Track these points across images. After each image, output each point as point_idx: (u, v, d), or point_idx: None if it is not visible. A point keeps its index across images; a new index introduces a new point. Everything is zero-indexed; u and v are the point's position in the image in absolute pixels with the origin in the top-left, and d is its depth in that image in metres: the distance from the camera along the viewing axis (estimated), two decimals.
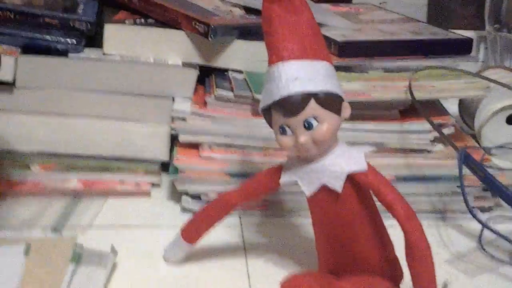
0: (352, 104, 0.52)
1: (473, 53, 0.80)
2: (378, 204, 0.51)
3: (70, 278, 0.52)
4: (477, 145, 0.77)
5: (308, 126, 0.49)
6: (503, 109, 0.80)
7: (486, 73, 0.86)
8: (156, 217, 0.67)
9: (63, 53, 0.71)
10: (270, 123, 0.52)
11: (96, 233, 0.63)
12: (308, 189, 0.51)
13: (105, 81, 0.70)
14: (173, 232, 0.58)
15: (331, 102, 0.49)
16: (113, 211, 0.68)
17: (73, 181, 0.70)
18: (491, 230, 0.58)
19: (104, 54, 0.72)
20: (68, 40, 0.71)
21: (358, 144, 0.57)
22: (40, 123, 0.71)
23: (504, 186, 0.59)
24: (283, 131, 0.50)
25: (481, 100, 0.82)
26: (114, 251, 0.55)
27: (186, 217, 0.58)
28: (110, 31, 0.72)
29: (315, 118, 0.49)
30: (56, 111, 0.71)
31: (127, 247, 0.59)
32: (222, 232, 0.63)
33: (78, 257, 0.54)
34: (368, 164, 0.51)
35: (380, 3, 1.17)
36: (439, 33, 0.82)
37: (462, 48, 0.79)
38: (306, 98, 0.49)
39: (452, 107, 0.87)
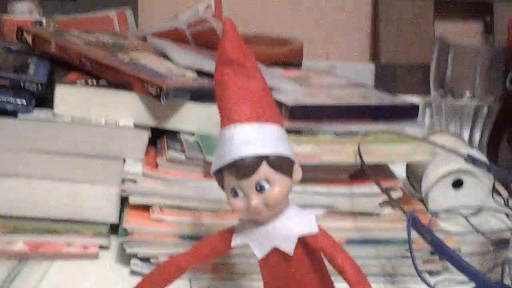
0: (303, 167, 0.52)
1: (419, 118, 0.81)
2: (329, 267, 0.51)
3: None
4: (425, 209, 0.78)
5: (260, 189, 0.49)
6: (449, 173, 0.82)
7: (431, 138, 0.88)
8: (105, 281, 0.65)
9: (13, 113, 0.70)
10: (222, 186, 0.52)
11: None
12: (260, 252, 0.51)
13: (55, 142, 0.70)
14: None
15: (282, 165, 0.50)
16: (60, 274, 0.66)
17: (19, 243, 0.68)
18: None
19: (54, 115, 0.72)
20: (18, 100, 0.70)
21: (308, 206, 0.58)
22: None
23: (451, 249, 0.60)
24: (235, 194, 0.50)
25: (427, 164, 0.84)
26: None
27: (135, 281, 0.56)
28: (61, 92, 0.72)
29: (267, 181, 0.49)
30: (3, 172, 0.70)
31: None
32: None
33: None
34: (319, 227, 0.51)
35: (329, 68, 1.20)
36: (386, 98, 0.84)
37: (409, 113, 0.81)
38: (258, 161, 0.49)
39: (400, 170, 0.89)
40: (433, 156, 0.74)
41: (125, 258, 0.68)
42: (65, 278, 0.65)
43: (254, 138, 0.50)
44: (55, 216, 0.70)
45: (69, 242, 0.70)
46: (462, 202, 0.81)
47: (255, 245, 0.52)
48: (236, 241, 0.52)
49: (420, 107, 0.84)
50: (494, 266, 0.67)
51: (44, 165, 0.70)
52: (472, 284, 0.60)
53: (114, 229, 0.71)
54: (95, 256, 0.69)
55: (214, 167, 0.52)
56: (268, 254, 0.51)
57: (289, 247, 0.50)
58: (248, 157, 0.49)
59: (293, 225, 0.51)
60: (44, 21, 0.98)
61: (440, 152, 0.80)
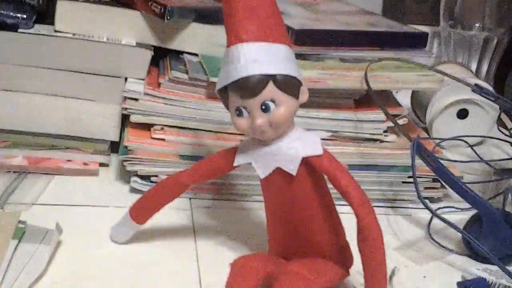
0: (308, 91, 0.51)
1: (427, 48, 0.80)
2: (332, 191, 0.51)
3: (12, 254, 0.50)
4: (429, 137, 0.78)
5: (265, 109, 0.48)
6: (454, 103, 0.82)
7: (439, 68, 0.86)
8: (104, 197, 0.65)
9: (13, 27, 0.69)
10: (226, 105, 0.51)
11: (40, 210, 0.61)
12: (263, 172, 0.51)
13: (56, 58, 0.69)
14: (120, 212, 0.57)
15: (289, 85, 0.49)
16: (59, 189, 0.66)
17: (18, 157, 0.68)
18: (440, 218, 0.59)
19: (55, 31, 0.70)
20: (19, 14, 0.69)
21: (314, 130, 0.57)
22: None
23: (454, 176, 0.60)
24: (239, 113, 0.49)
25: (433, 94, 0.83)
26: (59, 228, 0.54)
27: (135, 198, 0.56)
28: (63, 7, 0.71)
29: (272, 100, 0.48)
30: (4, 86, 0.69)
31: (72, 225, 0.58)
32: (172, 213, 0.62)
33: (21, 233, 0.52)
34: (324, 149, 0.50)
35: None
36: (395, 26, 0.82)
37: (417, 41, 0.80)
38: (264, 80, 0.48)
39: (404, 100, 0.88)
40: (440, 84, 0.74)
41: (125, 175, 0.68)
42: (65, 193, 0.65)
43: (261, 57, 0.48)
44: (55, 132, 0.70)
45: (69, 158, 0.69)
46: (466, 133, 0.80)
47: (258, 164, 0.51)
48: (239, 160, 0.52)
49: (429, 37, 0.82)
50: (497, 194, 0.67)
51: (45, 80, 0.69)
52: (474, 211, 0.60)
53: (115, 147, 0.71)
54: (95, 173, 0.69)
55: (219, 85, 0.51)
56: (271, 174, 0.51)
57: (292, 167, 0.50)
58: (255, 76, 0.48)
59: (297, 146, 0.50)
60: None
61: (447, 82, 0.79)
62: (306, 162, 0.50)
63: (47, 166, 0.68)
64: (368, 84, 0.68)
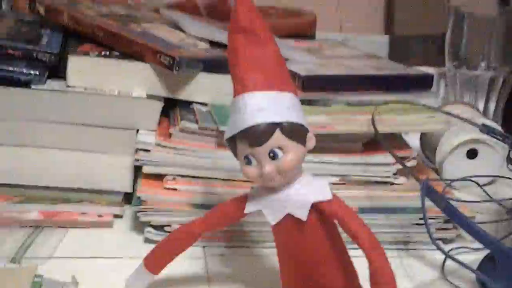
0: (316, 136, 0.52)
1: (433, 89, 0.81)
2: (343, 235, 0.51)
3: None
4: (439, 178, 0.78)
5: (273, 156, 0.49)
6: (463, 143, 0.82)
7: (446, 109, 0.87)
8: (118, 248, 0.66)
9: (26, 84, 0.70)
10: (235, 154, 0.52)
11: (56, 264, 0.61)
12: (273, 218, 0.51)
13: (69, 112, 0.70)
14: (135, 263, 0.57)
15: (296, 132, 0.50)
16: (74, 242, 0.66)
17: (34, 212, 0.69)
18: (454, 259, 0.59)
19: (67, 86, 0.72)
20: (31, 71, 0.70)
21: (322, 175, 0.58)
22: (1, 154, 0.70)
23: (465, 216, 0.60)
24: (248, 161, 0.50)
25: (441, 134, 0.83)
26: (74, 281, 0.54)
27: (149, 248, 0.57)
28: (74, 63, 0.72)
29: (280, 148, 0.49)
30: (18, 142, 0.70)
31: (88, 278, 0.58)
32: (186, 262, 0.62)
33: (38, 287, 0.52)
34: (333, 194, 0.51)
35: (343, 40, 1.19)
36: (400, 69, 0.83)
37: (423, 83, 0.81)
38: (271, 128, 0.49)
39: (414, 141, 0.88)
40: (448, 125, 0.74)
41: (139, 226, 0.68)
42: (80, 246, 0.66)
43: (267, 105, 0.49)
44: (69, 186, 0.71)
45: (83, 211, 0.70)
46: (476, 173, 0.80)
47: (268, 211, 0.52)
48: (249, 207, 0.53)
49: (435, 78, 0.83)
50: (509, 233, 0.67)
51: (58, 135, 0.70)
52: (487, 251, 0.59)
53: (128, 198, 0.72)
54: (109, 225, 0.70)
55: (227, 135, 0.51)
56: (281, 220, 0.51)
57: (302, 213, 0.50)
58: (262, 125, 0.49)
59: (306, 192, 0.51)
60: None
61: (455, 122, 0.80)
62: (316, 208, 0.50)
63: (62, 220, 0.69)
64: (375, 128, 0.69)
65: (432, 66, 1.12)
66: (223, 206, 0.55)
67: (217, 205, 0.55)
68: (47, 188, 0.71)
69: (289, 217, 0.51)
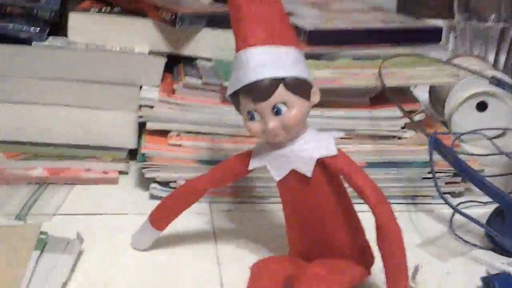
0: (322, 91, 0.51)
1: (442, 42, 0.80)
2: (349, 190, 0.51)
3: (35, 265, 0.50)
4: (448, 131, 0.77)
5: (277, 111, 0.48)
6: (473, 96, 0.81)
7: (455, 61, 0.86)
8: (124, 204, 0.66)
9: (27, 41, 0.69)
10: (238, 109, 0.51)
11: (62, 220, 0.62)
12: (278, 174, 0.51)
13: (70, 69, 0.69)
14: (141, 219, 0.57)
15: (300, 87, 0.49)
16: (79, 198, 0.66)
17: (38, 169, 0.69)
18: (462, 214, 0.58)
19: (68, 42, 0.71)
20: (32, 28, 0.70)
21: (328, 130, 0.57)
22: (4, 111, 0.69)
23: (474, 170, 0.59)
24: (251, 117, 0.49)
25: (451, 87, 0.82)
26: (80, 238, 0.54)
27: (154, 204, 0.56)
28: (75, 19, 0.71)
29: (284, 103, 0.48)
30: (21, 99, 0.70)
31: (94, 234, 0.58)
32: (192, 218, 0.62)
33: (42, 244, 0.52)
34: (338, 149, 0.50)
35: None
36: (408, 22, 0.82)
37: (432, 36, 0.79)
38: (274, 83, 0.48)
39: (423, 94, 0.87)
40: (457, 78, 0.73)
41: (144, 182, 0.68)
42: (85, 203, 0.66)
43: (270, 60, 0.48)
44: (74, 143, 0.70)
45: (88, 167, 0.70)
46: (486, 125, 0.79)
47: (273, 167, 0.51)
48: (253, 163, 0.52)
49: (444, 31, 0.82)
50: None
51: (61, 92, 0.70)
52: (496, 205, 0.59)
53: (133, 154, 0.72)
54: (114, 181, 0.70)
55: (230, 91, 0.51)
56: (286, 176, 0.51)
57: (307, 169, 0.49)
58: (265, 80, 0.48)
59: (311, 147, 0.50)
60: None
61: (464, 75, 0.79)
62: (321, 163, 0.50)
63: (67, 176, 0.69)
64: (382, 82, 0.68)
65: (442, 19, 1.10)
66: (228, 162, 0.54)
67: (222, 161, 0.55)
68: (51, 145, 0.70)
69: (294, 172, 0.50)
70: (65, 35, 0.71)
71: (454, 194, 0.69)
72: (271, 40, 0.49)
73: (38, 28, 0.70)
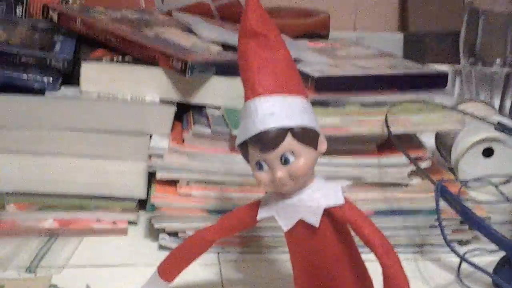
0: (330, 138, 0.52)
1: (448, 87, 0.80)
2: (357, 239, 0.51)
3: None
4: (454, 178, 0.77)
5: (285, 161, 0.49)
6: (479, 142, 0.81)
7: (461, 107, 0.87)
8: (133, 255, 0.66)
9: (40, 91, 0.70)
10: (247, 159, 0.52)
11: (71, 272, 0.62)
12: (286, 224, 0.51)
13: (82, 119, 0.70)
14: (150, 270, 0.57)
15: (307, 136, 0.50)
16: (89, 250, 0.67)
17: (49, 220, 0.70)
18: (469, 263, 0.58)
19: (81, 92, 0.72)
20: (45, 78, 0.71)
21: (335, 178, 0.57)
22: (15, 162, 0.70)
23: (480, 218, 0.59)
24: (260, 167, 0.50)
25: (457, 133, 0.83)
26: None
27: (163, 255, 0.57)
28: (87, 68, 0.72)
29: (291, 153, 0.49)
30: (32, 150, 0.70)
31: (103, 286, 0.58)
32: (200, 269, 0.62)
33: None
34: (345, 198, 0.51)
35: (357, 39, 1.19)
36: (414, 68, 0.82)
37: (438, 82, 0.80)
38: (282, 133, 0.49)
39: (429, 140, 0.88)
40: (463, 124, 0.73)
41: (153, 233, 0.69)
42: (95, 253, 0.66)
43: (278, 110, 0.49)
44: (84, 193, 0.71)
45: (98, 218, 0.71)
46: (492, 171, 0.80)
47: (280, 217, 0.51)
48: (262, 214, 0.52)
49: (450, 76, 0.83)
50: None
51: (72, 142, 0.70)
52: (502, 253, 0.59)
53: (142, 204, 0.72)
54: (124, 232, 0.70)
55: (238, 140, 0.51)
56: (294, 226, 0.51)
57: (315, 219, 0.50)
58: (273, 129, 0.49)
59: (318, 197, 0.50)
60: None
61: (470, 120, 0.79)
62: (328, 213, 0.50)
63: (77, 228, 0.69)
64: (388, 129, 0.68)
65: (448, 63, 1.11)
66: (236, 212, 0.54)
67: (230, 211, 0.55)
68: (62, 195, 0.71)
69: (301, 222, 0.50)
70: (78, 84, 0.72)
71: (461, 242, 0.69)
72: (279, 89, 0.50)
73: (51, 78, 0.71)
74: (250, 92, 0.51)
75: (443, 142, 0.87)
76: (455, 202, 0.61)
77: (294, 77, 0.52)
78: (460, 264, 0.64)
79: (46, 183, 0.71)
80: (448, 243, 0.59)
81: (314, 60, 0.83)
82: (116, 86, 0.73)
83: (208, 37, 0.81)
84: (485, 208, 0.70)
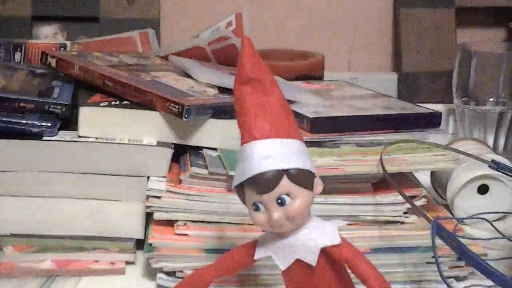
0: (325, 178, 0.53)
1: (442, 126, 0.82)
2: (353, 276, 0.51)
3: None
4: (450, 216, 0.78)
5: (281, 202, 0.50)
6: (474, 179, 0.82)
7: (455, 145, 0.87)
8: None
9: (38, 136, 0.71)
10: (243, 201, 0.53)
11: None
12: (283, 264, 0.52)
13: (80, 162, 0.71)
14: None
15: (303, 178, 0.50)
16: None
17: (47, 261, 0.70)
18: None
19: (79, 136, 0.73)
20: (43, 123, 0.72)
21: (332, 217, 0.58)
22: (14, 205, 0.71)
23: (476, 255, 0.60)
24: (256, 208, 0.51)
25: (452, 171, 0.83)
26: None
27: None
28: (85, 113, 0.73)
29: (288, 194, 0.50)
30: (30, 192, 0.71)
31: None
32: None
33: None
34: (342, 238, 0.51)
35: (351, 79, 1.20)
36: (409, 108, 0.84)
37: (432, 121, 0.81)
38: (278, 175, 0.50)
39: (424, 177, 0.89)
40: (457, 163, 0.74)
41: (151, 272, 0.69)
42: None
43: (274, 153, 0.50)
44: (82, 234, 0.71)
45: (96, 258, 0.71)
46: (488, 208, 0.80)
47: (278, 257, 0.52)
48: (259, 253, 0.53)
49: (444, 115, 0.84)
50: None
51: (70, 184, 0.71)
52: None
53: (140, 244, 0.72)
54: (122, 272, 0.70)
55: (235, 182, 0.52)
56: (291, 265, 0.52)
57: (312, 259, 0.51)
58: (269, 172, 0.50)
59: (315, 237, 0.51)
60: (68, 44, 1.00)
61: (465, 158, 0.80)
62: (325, 252, 0.51)
63: (75, 268, 0.70)
64: (383, 168, 0.69)
65: (441, 103, 1.12)
66: (233, 252, 0.55)
67: (228, 251, 0.56)
68: (59, 237, 0.71)
69: (298, 261, 0.51)
70: (76, 128, 0.73)
71: (458, 278, 0.69)
72: (275, 132, 0.51)
73: (50, 123, 0.72)
74: (247, 136, 0.52)
75: (438, 180, 0.88)
76: (451, 239, 0.61)
77: (289, 120, 0.53)
78: None
79: (44, 225, 0.71)
80: (444, 279, 0.59)
81: (309, 101, 0.84)
82: (114, 129, 0.73)
83: (205, 80, 0.82)
84: (481, 244, 0.70)
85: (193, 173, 0.69)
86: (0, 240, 0.70)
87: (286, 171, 0.50)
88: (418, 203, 0.70)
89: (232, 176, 0.54)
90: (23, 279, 0.68)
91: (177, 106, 0.71)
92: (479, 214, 0.76)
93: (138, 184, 0.71)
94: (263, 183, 0.50)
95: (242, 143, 0.52)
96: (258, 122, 0.51)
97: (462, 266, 0.69)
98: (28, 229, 0.71)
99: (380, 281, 0.50)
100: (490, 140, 1.02)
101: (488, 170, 0.81)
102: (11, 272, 0.68)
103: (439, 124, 0.81)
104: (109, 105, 0.75)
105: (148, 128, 0.74)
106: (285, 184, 0.50)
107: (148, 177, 0.71)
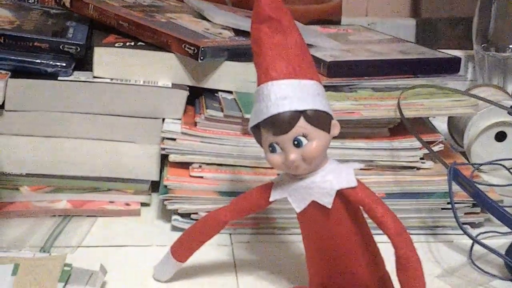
0: (342, 122, 0.52)
1: (461, 72, 0.80)
2: (369, 220, 0.51)
3: None
4: (467, 162, 0.77)
5: (297, 144, 0.49)
6: (492, 126, 0.81)
7: (474, 91, 0.86)
8: (146, 236, 0.67)
9: (53, 76, 0.71)
10: (259, 142, 0.52)
11: (85, 252, 0.63)
12: (298, 206, 0.52)
13: (95, 103, 0.71)
14: (163, 251, 0.58)
15: (320, 120, 0.50)
16: (102, 230, 0.67)
17: (62, 201, 0.70)
18: (481, 244, 0.58)
19: (94, 77, 0.72)
20: (58, 63, 0.71)
21: (348, 161, 0.58)
22: (29, 145, 0.71)
23: (493, 201, 0.59)
24: (272, 149, 0.50)
25: (470, 118, 0.83)
26: (103, 270, 0.55)
27: (176, 236, 0.57)
28: (100, 54, 0.73)
29: (304, 136, 0.49)
30: (45, 133, 0.71)
31: (116, 266, 0.59)
32: (213, 250, 0.63)
33: (66, 276, 0.53)
34: (358, 181, 0.51)
35: (369, 24, 1.18)
36: (427, 53, 0.82)
37: (451, 67, 0.80)
38: (295, 116, 0.49)
39: (442, 125, 0.88)
40: (476, 109, 0.73)
41: (166, 214, 0.69)
42: (108, 234, 0.67)
43: (291, 93, 0.50)
44: (97, 175, 0.72)
45: (111, 199, 0.71)
46: (505, 155, 0.80)
47: (293, 199, 0.52)
48: (274, 195, 0.53)
49: (463, 61, 0.82)
50: None
51: (86, 125, 0.71)
52: None
53: (155, 186, 0.73)
54: (137, 213, 0.71)
55: (251, 123, 0.52)
56: (306, 208, 0.51)
57: (327, 201, 0.50)
58: (285, 113, 0.49)
59: (331, 179, 0.51)
60: None
61: (483, 105, 0.79)
62: (341, 195, 0.50)
63: (91, 209, 0.70)
64: (401, 113, 0.69)
65: (460, 49, 1.10)
66: (249, 194, 0.55)
67: (243, 193, 0.56)
68: (75, 177, 0.72)
69: (314, 204, 0.51)
70: (90, 69, 0.73)
71: (473, 225, 0.69)
72: (292, 73, 0.50)
73: (64, 63, 0.71)
74: (264, 76, 0.51)
75: (456, 126, 0.87)
76: (468, 184, 0.61)
77: (307, 61, 0.52)
78: (472, 246, 0.64)
79: (59, 165, 0.71)
80: (460, 225, 0.59)
81: (327, 45, 0.83)
82: (129, 70, 0.73)
83: (220, 22, 0.81)
84: (497, 191, 0.70)
85: (209, 116, 0.69)
86: (16, 179, 0.71)
87: (303, 112, 0.49)
88: (435, 148, 0.70)
89: (248, 119, 0.53)
90: (39, 218, 0.68)
91: (192, 48, 0.70)
92: (496, 160, 0.75)
93: (153, 126, 0.71)
94: (279, 124, 0.49)
95: (259, 84, 0.51)
96: (275, 63, 0.51)
97: (477, 213, 0.69)
98: (43, 169, 0.71)
99: (396, 225, 0.49)
100: (510, 87, 1.01)
101: (506, 117, 0.80)
102: (27, 211, 0.69)
103: (458, 70, 0.80)
104: (124, 46, 0.74)
105: (163, 70, 0.73)
106: (301, 125, 0.49)
107: (163, 119, 0.71)
